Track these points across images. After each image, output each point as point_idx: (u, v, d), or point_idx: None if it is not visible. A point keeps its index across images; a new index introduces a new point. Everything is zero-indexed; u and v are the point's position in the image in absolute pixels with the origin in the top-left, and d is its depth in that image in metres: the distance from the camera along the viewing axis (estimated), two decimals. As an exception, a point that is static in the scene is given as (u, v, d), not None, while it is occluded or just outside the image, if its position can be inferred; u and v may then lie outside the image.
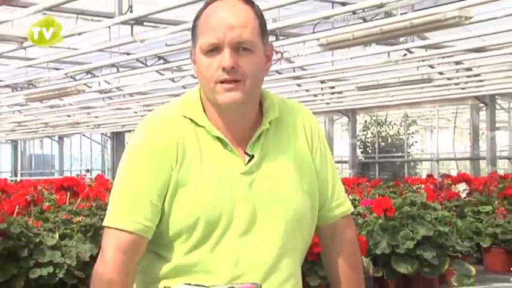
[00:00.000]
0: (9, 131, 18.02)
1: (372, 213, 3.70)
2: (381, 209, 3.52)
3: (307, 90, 11.31)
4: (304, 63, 8.94)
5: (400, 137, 16.20)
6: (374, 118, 16.05)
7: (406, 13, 5.83)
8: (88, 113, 14.22)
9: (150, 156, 1.13)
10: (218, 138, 1.15)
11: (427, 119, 17.13)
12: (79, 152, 20.34)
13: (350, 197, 3.83)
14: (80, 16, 6.61)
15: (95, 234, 3.00)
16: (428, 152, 17.25)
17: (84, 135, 19.71)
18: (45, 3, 5.48)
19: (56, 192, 3.59)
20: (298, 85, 10.68)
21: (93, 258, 2.77)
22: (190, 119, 1.16)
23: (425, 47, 7.86)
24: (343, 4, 6.34)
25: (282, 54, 7.31)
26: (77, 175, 7.69)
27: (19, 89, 11.20)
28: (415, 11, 5.78)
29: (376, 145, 15.74)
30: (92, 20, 6.81)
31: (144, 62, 8.90)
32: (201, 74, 1.14)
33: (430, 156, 16.47)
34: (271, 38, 5.66)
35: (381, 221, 3.59)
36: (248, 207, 1.13)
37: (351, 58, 8.09)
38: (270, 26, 5.10)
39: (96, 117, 14.75)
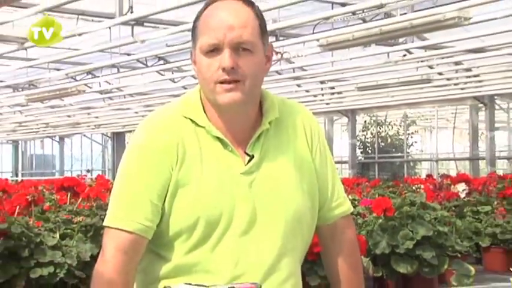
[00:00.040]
0: (10, 131, 18.04)
1: (371, 213, 3.70)
2: (380, 209, 3.53)
3: (307, 91, 11.32)
4: (304, 64, 8.95)
5: (400, 137, 16.21)
6: (374, 118, 16.06)
7: (405, 14, 5.84)
8: (88, 114, 14.23)
9: (150, 156, 1.14)
10: (218, 138, 1.16)
11: (427, 119, 17.14)
12: (80, 152, 20.35)
13: (350, 197, 3.85)
14: (80, 17, 6.62)
15: (95, 234, 3.00)
16: (427, 152, 17.26)
17: (84, 135, 19.72)
18: (45, 3, 5.49)
19: (56, 192, 3.60)
20: (298, 85, 10.69)
21: (94, 258, 2.77)
22: (191, 119, 1.16)
23: (425, 48, 7.87)
24: (343, 5, 6.35)
25: (282, 54, 7.32)
26: (78, 175, 7.72)
27: (20, 89, 11.22)
28: (415, 11, 5.79)
29: (375, 145, 15.75)
30: (93, 20, 6.82)
31: (145, 62, 8.91)
32: (201, 74, 1.14)
33: (429, 156, 16.47)
34: (271, 39, 5.67)
35: (380, 221, 3.60)
36: (248, 207, 1.14)
37: (351, 59, 8.09)
38: (270, 26, 5.11)
39: (97, 117, 14.76)
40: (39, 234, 2.89)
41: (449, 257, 3.57)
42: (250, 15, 1.14)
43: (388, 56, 8.07)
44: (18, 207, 3.04)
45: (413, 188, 4.85)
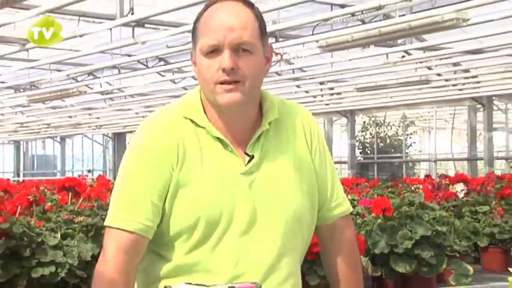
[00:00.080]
0: (11, 132, 18.06)
1: (370, 213, 3.71)
2: (379, 209, 3.54)
3: (306, 92, 11.33)
4: (304, 65, 8.97)
5: (399, 137, 16.23)
6: (373, 119, 16.08)
7: (404, 15, 5.86)
8: (90, 114, 14.24)
9: (151, 156, 1.14)
10: (218, 138, 1.16)
11: (425, 120, 17.15)
12: (81, 152, 20.36)
13: (349, 197, 3.87)
14: (81, 18, 6.63)
15: (96, 234, 3.00)
16: (426, 153, 17.26)
17: (85, 136, 19.72)
18: (47, 5, 5.50)
19: (58, 192, 3.60)
20: (298, 86, 10.70)
21: (95, 258, 2.77)
22: (191, 120, 1.16)
23: (423, 49, 7.89)
24: (342, 6, 6.36)
25: (281, 55, 7.33)
26: (79, 175, 7.72)
27: (21, 90, 11.23)
28: (413, 13, 5.80)
29: (374, 146, 15.76)
30: (94, 22, 6.83)
31: (145, 63, 8.93)
32: (201, 75, 1.15)
33: (428, 156, 16.48)
34: (270, 40, 5.66)
35: (379, 220, 3.61)
36: (248, 207, 1.14)
37: (350, 60, 8.10)
38: (269, 27, 5.13)
39: (98, 118, 14.77)
40: (40, 234, 2.89)
41: (447, 256, 3.58)
42: (250, 17, 1.14)
43: (387, 57, 8.09)
44: (19, 207, 3.04)
45: (412, 188, 4.87)
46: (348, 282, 1.25)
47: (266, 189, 1.16)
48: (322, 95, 11.93)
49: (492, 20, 5.93)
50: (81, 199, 3.43)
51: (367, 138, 16.24)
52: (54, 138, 20.19)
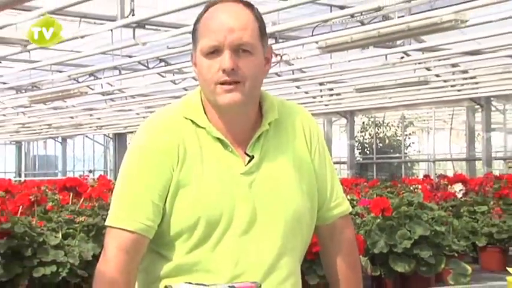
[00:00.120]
0: (13, 132, 18.07)
1: (369, 213, 3.73)
2: (378, 209, 3.56)
3: (306, 92, 11.34)
4: (303, 66, 8.98)
5: (398, 138, 16.25)
6: (372, 119, 16.09)
7: (403, 16, 5.88)
8: (91, 115, 14.25)
9: (151, 157, 1.14)
10: (218, 139, 1.16)
11: (424, 120, 17.16)
12: (82, 153, 20.35)
13: (348, 197, 3.87)
14: (82, 19, 6.64)
15: (97, 233, 3.02)
16: (425, 153, 17.28)
17: (86, 136, 19.72)
18: (48, 6, 5.51)
19: (59, 192, 3.60)
20: (297, 87, 10.72)
21: (96, 258, 2.79)
22: (191, 120, 1.17)
23: (422, 50, 7.90)
24: (342, 7, 6.38)
25: (281, 56, 7.34)
26: (80, 176, 7.72)
27: (23, 91, 11.24)
28: (412, 14, 5.82)
29: (373, 146, 15.77)
30: (95, 23, 6.85)
31: (146, 64, 8.94)
32: (201, 75, 1.15)
33: (426, 157, 16.50)
34: (270, 41, 5.66)
35: (378, 220, 3.63)
36: (248, 207, 1.14)
37: (349, 61, 8.11)
38: (269, 29, 5.14)
39: (99, 118, 14.78)
40: (41, 233, 2.91)
41: (446, 256, 3.60)
42: (250, 18, 1.15)
43: (386, 58, 8.10)
44: (21, 207, 3.05)
45: (411, 188, 4.87)
46: (348, 282, 1.26)
47: (266, 189, 1.16)
48: (321, 96, 11.94)
49: (490, 22, 5.94)
50: (82, 199, 3.45)
51: (366, 139, 16.25)
52: (56, 139, 20.20)
